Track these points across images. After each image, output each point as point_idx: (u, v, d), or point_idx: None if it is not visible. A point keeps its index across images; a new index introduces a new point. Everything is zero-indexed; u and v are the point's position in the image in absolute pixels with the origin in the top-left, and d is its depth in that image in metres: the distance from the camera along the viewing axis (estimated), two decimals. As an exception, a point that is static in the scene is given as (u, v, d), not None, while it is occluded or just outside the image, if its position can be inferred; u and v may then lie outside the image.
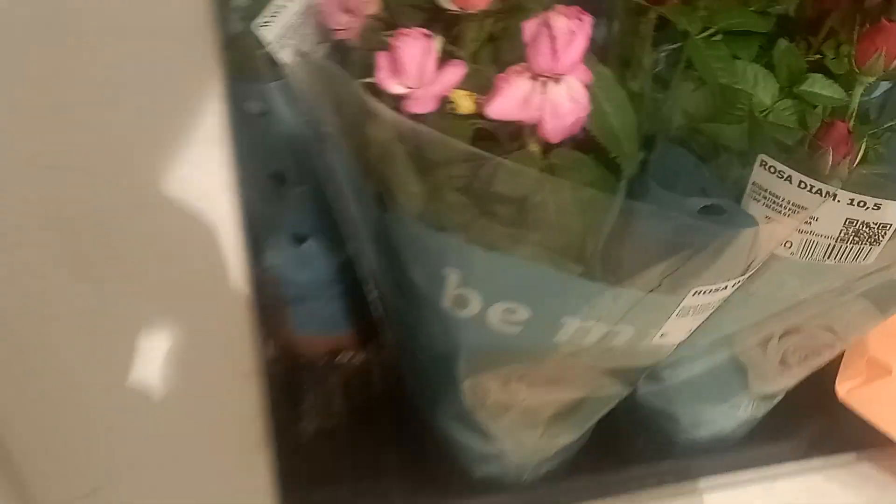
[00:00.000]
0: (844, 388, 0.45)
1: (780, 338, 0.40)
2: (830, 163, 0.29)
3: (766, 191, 0.30)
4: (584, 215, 0.30)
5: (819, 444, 0.53)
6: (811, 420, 0.53)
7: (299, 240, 0.48)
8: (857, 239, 0.30)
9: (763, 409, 0.47)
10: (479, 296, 0.30)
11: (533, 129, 0.28)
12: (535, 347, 0.32)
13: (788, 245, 0.32)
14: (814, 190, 0.29)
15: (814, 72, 0.33)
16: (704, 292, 0.29)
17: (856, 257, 0.31)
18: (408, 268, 0.32)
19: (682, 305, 0.29)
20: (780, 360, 0.41)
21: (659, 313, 0.30)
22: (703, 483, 0.48)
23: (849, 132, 0.29)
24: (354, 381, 0.59)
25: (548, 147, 0.29)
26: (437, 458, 0.46)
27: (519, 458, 0.44)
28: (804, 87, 0.33)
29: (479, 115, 0.27)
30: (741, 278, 0.29)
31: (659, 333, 0.31)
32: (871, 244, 0.31)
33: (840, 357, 0.47)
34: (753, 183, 0.31)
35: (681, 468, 0.48)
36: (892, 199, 0.28)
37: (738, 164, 0.31)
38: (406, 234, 0.30)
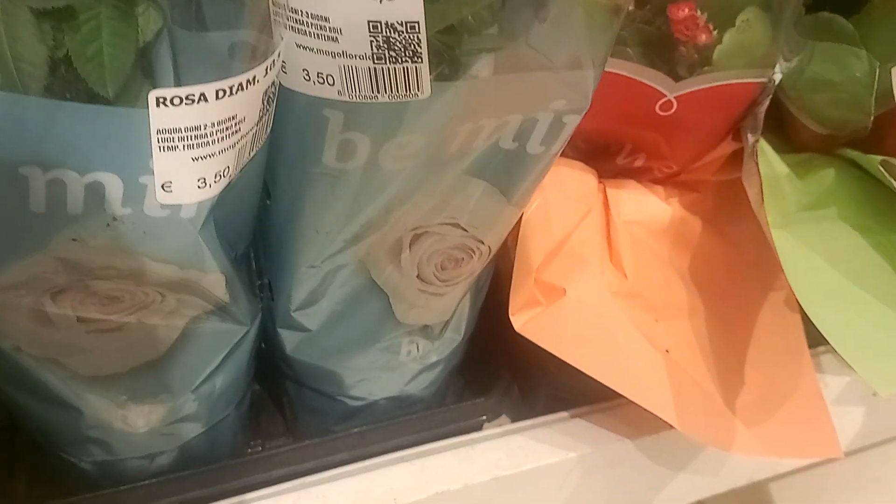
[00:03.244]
0: (520, 320, 0.40)
1: (410, 245, 0.34)
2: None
3: (283, 7, 0.25)
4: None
5: (527, 403, 0.48)
6: (517, 378, 0.48)
7: None
8: (393, 54, 0.25)
9: (435, 353, 0.40)
10: None
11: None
12: (17, 226, 0.24)
13: (331, 80, 0.26)
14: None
15: None
16: (170, 102, 0.22)
17: (406, 86, 0.26)
18: None
19: (155, 127, 0.22)
20: (416, 273, 0.35)
21: (132, 141, 0.22)
22: (387, 457, 0.40)
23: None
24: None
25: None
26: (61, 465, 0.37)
27: (122, 440, 0.34)
28: None
29: None
30: (209, 88, 0.22)
31: (158, 184, 0.23)
32: (412, 60, 0.25)
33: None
34: (273, 3, 0.25)
35: (355, 442, 0.40)
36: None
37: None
38: None
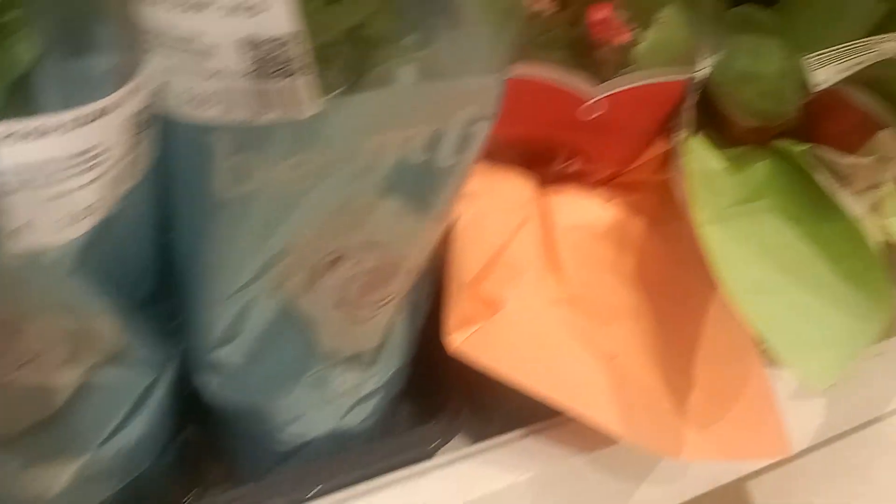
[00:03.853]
0: (458, 339, 0.38)
1: (327, 270, 0.32)
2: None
3: (152, 28, 0.23)
4: None
5: (476, 426, 0.46)
6: (463, 401, 0.46)
7: None
8: (272, 70, 0.23)
9: (371, 382, 0.38)
10: None
11: None
12: None
13: (211, 103, 0.24)
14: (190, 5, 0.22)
15: None
16: (18, 135, 0.20)
17: (292, 104, 0.24)
18: None
19: (3, 165, 0.20)
20: (337, 299, 0.33)
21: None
22: (327, 499, 0.38)
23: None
24: None
25: None
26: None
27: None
28: None
29: None
30: (62, 118, 0.20)
31: (13, 227, 0.21)
32: (294, 76, 0.24)
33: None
34: (143, 24, 0.23)
35: (293, 485, 0.37)
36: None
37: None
38: None
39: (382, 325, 0.35)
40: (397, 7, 0.26)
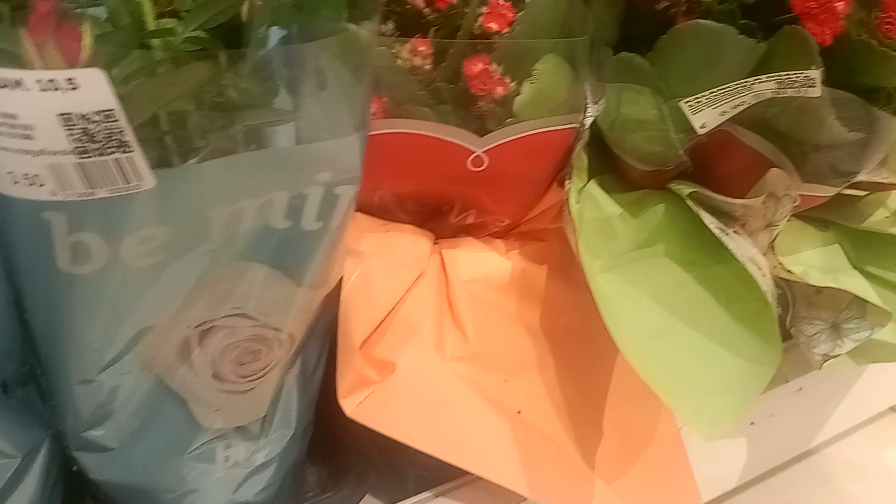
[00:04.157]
0: (352, 404, 0.37)
1: (199, 343, 0.31)
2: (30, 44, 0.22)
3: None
4: None
5: (387, 488, 0.45)
6: (370, 464, 0.45)
7: None
8: (97, 146, 0.23)
9: (262, 454, 0.37)
10: None
11: None
12: None
13: (40, 181, 0.23)
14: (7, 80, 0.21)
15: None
16: None
17: (123, 178, 0.24)
18: None
19: None
20: (212, 372, 0.32)
21: None
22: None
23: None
24: None
25: None
26: None
27: None
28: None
29: None
30: None
31: None
32: (121, 150, 0.23)
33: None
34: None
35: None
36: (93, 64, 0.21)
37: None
38: None
39: (267, 394, 0.34)
40: (241, 76, 0.25)
